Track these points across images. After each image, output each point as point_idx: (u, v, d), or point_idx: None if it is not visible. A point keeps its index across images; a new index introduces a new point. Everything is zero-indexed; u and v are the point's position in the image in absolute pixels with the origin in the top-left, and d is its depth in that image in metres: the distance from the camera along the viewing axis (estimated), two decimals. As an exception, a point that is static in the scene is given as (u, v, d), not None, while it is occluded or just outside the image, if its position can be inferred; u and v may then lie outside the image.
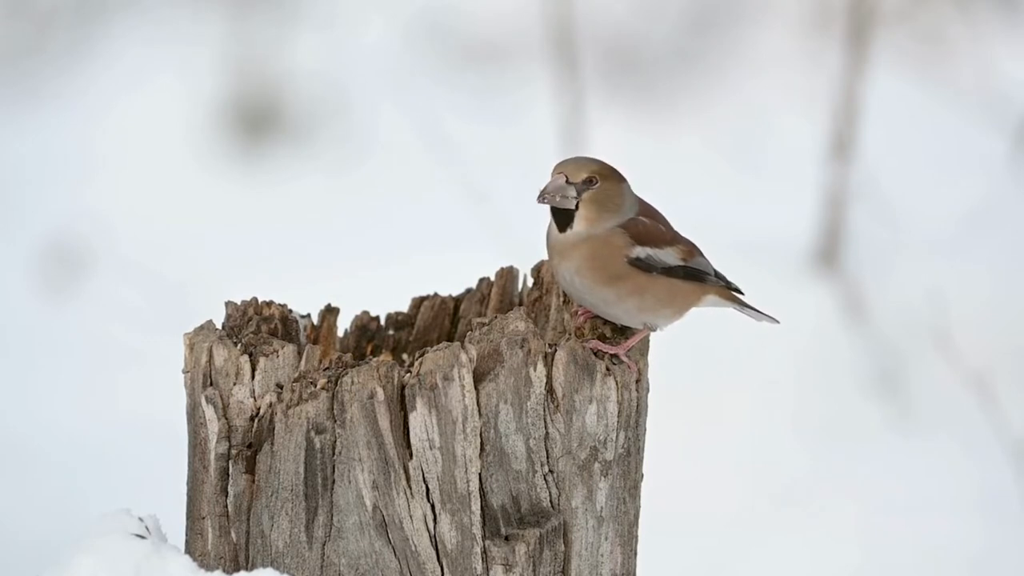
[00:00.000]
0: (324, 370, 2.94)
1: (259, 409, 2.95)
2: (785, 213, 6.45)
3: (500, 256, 4.56)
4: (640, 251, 3.07)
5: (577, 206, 3.06)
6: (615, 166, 3.12)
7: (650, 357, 3.10)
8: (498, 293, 3.29)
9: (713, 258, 3.17)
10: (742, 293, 3.19)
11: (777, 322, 3.22)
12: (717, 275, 3.15)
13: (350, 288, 5.65)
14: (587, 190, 3.07)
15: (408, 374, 2.91)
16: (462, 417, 2.90)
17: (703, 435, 5.48)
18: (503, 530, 2.94)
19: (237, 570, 2.97)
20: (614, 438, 2.99)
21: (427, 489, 2.91)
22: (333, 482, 2.91)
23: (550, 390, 2.95)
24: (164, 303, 6.41)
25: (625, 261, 3.06)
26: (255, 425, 2.95)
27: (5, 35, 8.24)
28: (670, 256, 3.09)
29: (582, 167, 3.08)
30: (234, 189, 7.63)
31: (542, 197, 3.07)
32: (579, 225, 3.06)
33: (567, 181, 3.07)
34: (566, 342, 2.96)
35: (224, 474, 2.96)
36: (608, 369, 2.98)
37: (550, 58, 6.56)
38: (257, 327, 3.09)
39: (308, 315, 3.22)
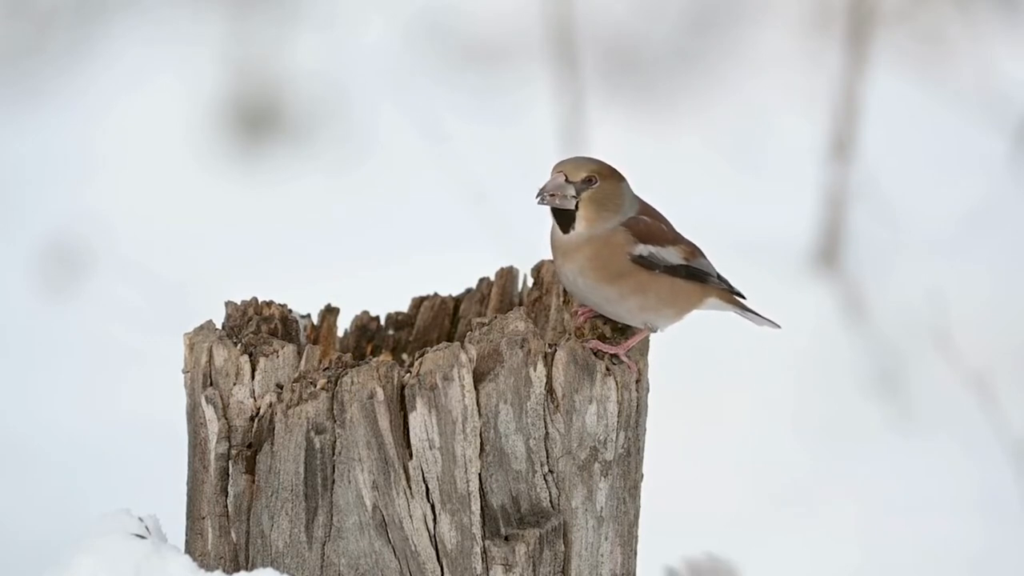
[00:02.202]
0: (324, 370, 2.94)
1: (259, 409, 2.95)
2: (785, 213, 6.45)
3: (500, 256, 4.56)
4: (643, 249, 3.07)
5: (577, 206, 3.06)
6: (615, 166, 3.12)
7: (650, 357, 3.10)
8: (498, 293, 3.29)
9: (714, 258, 3.17)
10: (744, 298, 3.18)
11: (778, 327, 3.21)
12: (719, 277, 3.14)
13: (350, 288, 5.65)
14: (586, 189, 3.07)
15: (408, 374, 2.91)
16: (462, 417, 2.90)
17: (703, 435, 5.49)
18: (503, 530, 2.94)
19: (237, 570, 2.97)
20: (614, 438, 2.99)
21: (427, 489, 2.91)
22: (333, 482, 2.91)
23: (550, 390, 2.95)
24: (164, 303, 6.41)
25: (628, 259, 3.05)
26: (255, 425, 2.95)
27: (5, 35, 8.24)
28: (672, 255, 3.09)
29: (581, 166, 3.08)
30: (234, 189, 7.63)
31: (541, 197, 3.07)
32: (579, 225, 3.06)
33: (566, 180, 3.07)
34: (566, 342, 2.96)
35: (224, 474, 2.96)
36: (608, 369, 2.98)
37: (550, 58, 6.56)
38: (257, 327, 3.09)
39: (308, 315, 3.22)
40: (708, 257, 3.15)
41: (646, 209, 3.12)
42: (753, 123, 7.67)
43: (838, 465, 5.37)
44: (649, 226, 3.09)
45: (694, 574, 3.81)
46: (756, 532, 5.10)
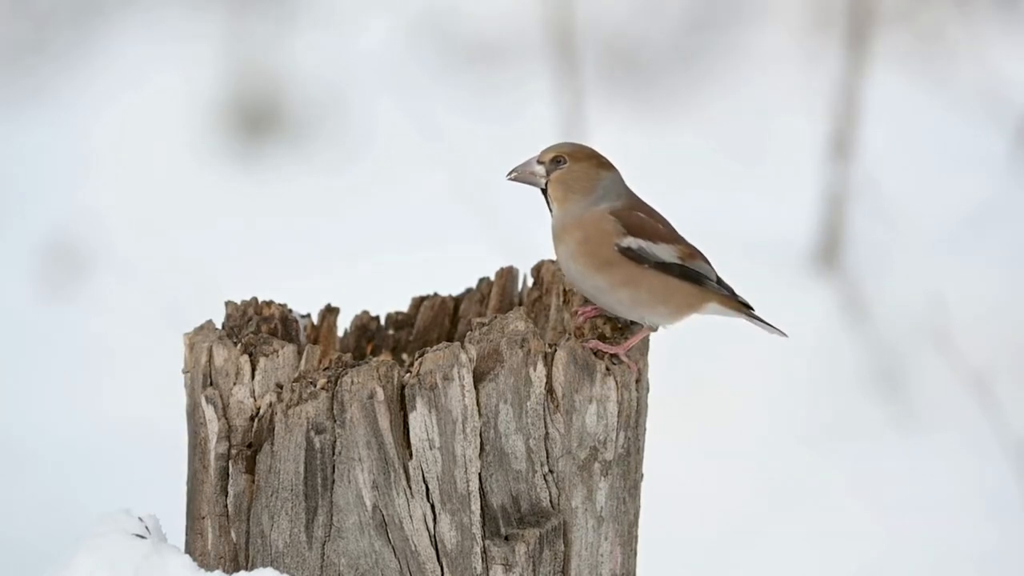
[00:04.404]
0: (324, 370, 2.94)
1: (259, 409, 2.95)
2: (785, 213, 6.45)
3: (500, 256, 4.56)
4: (632, 241, 3.07)
5: (547, 185, 3.10)
6: (609, 159, 3.13)
7: (650, 357, 3.10)
8: (498, 293, 3.29)
9: (714, 258, 3.17)
10: (751, 308, 3.17)
11: (785, 335, 3.21)
12: (720, 283, 3.13)
13: (350, 288, 5.65)
14: (555, 170, 3.10)
15: (408, 374, 2.91)
16: (462, 417, 2.90)
17: (703, 435, 5.48)
18: (503, 530, 2.94)
19: (237, 570, 2.97)
20: (614, 438, 2.99)
21: (427, 489, 2.91)
22: (333, 482, 2.91)
23: (550, 390, 2.95)
24: (163, 303, 6.40)
25: (615, 249, 3.06)
26: (255, 425, 2.95)
27: (5, 34, 8.24)
28: (665, 252, 3.09)
29: (553, 147, 3.12)
30: (233, 188, 7.63)
31: (510, 174, 3.11)
32: (553, 206, 3.09)
33: (537, 161, 3.11)
34: (566, 342, 2.96)
35: (224, 474, 2.96)
36: (608, 369, 2.98)
37: (550, 58, 6.56)
38: (257, 327, 3.09)
39: (308, 315, 3.22)
40: (712, 264, 3.15)
41: (641, 205, 3.12)
42: (753, 123, 7.67)
43: (838, 464, 5.37)
44: (642, 220, 3.09)
45: None
46: (756, 532, 5.10)
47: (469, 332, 2.96)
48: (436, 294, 3.32)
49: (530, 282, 3.29)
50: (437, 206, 7.09)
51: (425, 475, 2.91)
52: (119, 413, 5.83)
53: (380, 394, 2.89)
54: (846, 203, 6.09)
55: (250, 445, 2.96)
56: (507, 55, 8.22)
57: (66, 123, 7.85)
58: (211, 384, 2.97)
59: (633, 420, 3.02)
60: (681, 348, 5.25)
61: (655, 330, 3.09)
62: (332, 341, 3.26)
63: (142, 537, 2.95)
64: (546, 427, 2.95)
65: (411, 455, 2.91)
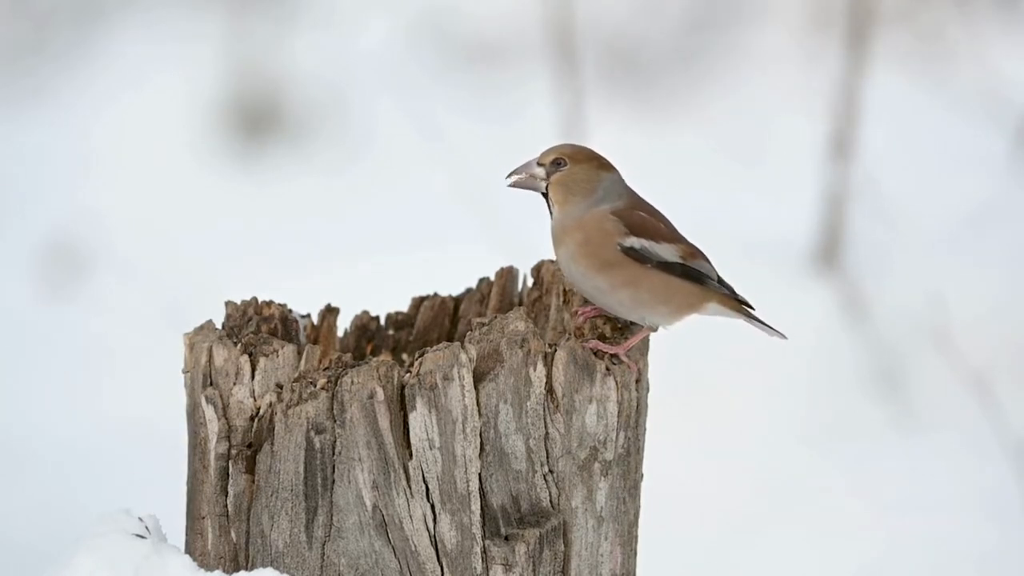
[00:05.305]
0: (324, 370, 2.94)
1: (259, 409, 2.95)
2: (785, 213, 6.45)
3: (500, 256, 4.56)
4: (634, 241, 3.06)
5: (548, 189, 3.09)
6: (608, 158, 3.12)
7: (650, 357, 3.10)
8: (498, 293, 3.29)
9: (714, 258, 3.17)
10: (752, 307, 3.17)
11: (785, 338, 3.21)
12: (721, 282, 3.13)
13: (350, 288, 5.65)
14: (555, 172, 3.09)
15: (408, 374, 2.91)
16: (462, 417, 2.90)
17: (703, 435, 5.48)
18: (503, 530, 2.94)
19: (237, 570, 2.97)
20: (614, 438, 2.99)
21: (427, 489, 2.91)
22: (333, 482, 2.91)
23: (550, 390, 2.95)
24: (163, 303, 6.40)
25: (617, 249, 3.05)
26: (255, 425, 2.95)
27: (5, 34, 8.24)
28: (667, 251, 3.08)
29: (554, 149, 3.11)
30: (234, 188, 7.63)
31: (509, 177, 3.10)
32: (554, 209, 3.08)
33: (537, 163, 3.09)
34: (566, 342, 2.96)
35: (224, 474, 2.96)
36: (608, 369, 2.98)
37: (550, 58, 6.56)
38: (257, 327, 3.09)
39: (308, 315, 3.22)
40: (712, 264, 3.14)
41: (642, 205, 3.12)
42: (753, 123, 7.67)
43: (838, 464, 5.37)
44: (644, 220, 3.08)
45: None
46: (756, 532, 5.10)
47: (469, 332, 2.96)
48: (436, 294, 3.32)
49: (530, 282, 3.29)
50: (437, 206, 7.09)
51: (425, 475, 2.91)
52: (119, 413, 5.83)
53: (380, 394, 2.89)
54: (846, 203, 6.09)
55: (250, 445, 2.96)
56: (507, 55, 8.22)
57: (66, 123, 7.85)
58: (211, 384, 2.97)
59: (633, 420, 3.02)
60: (681, 348, 5.25)
61: (655, 330, 3.09)
62: (332, 341, 3.26)
63: (142, 537, 2.95)
64: (546, 427, 2.95)
65: (411, 455, 2.91)
